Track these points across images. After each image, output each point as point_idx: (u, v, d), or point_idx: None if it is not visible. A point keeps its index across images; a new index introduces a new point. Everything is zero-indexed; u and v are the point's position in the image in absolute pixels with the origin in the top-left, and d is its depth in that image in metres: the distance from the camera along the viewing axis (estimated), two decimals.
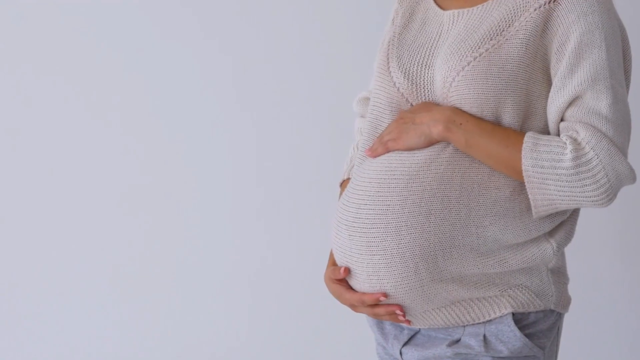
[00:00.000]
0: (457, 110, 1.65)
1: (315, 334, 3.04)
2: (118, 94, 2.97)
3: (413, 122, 1.67)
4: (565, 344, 2.91)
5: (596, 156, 1.57)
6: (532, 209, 1.64)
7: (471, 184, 1.63)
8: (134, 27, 2.95)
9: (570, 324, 2.91)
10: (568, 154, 1.57)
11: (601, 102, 1.59)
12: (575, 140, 1.58)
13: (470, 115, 1.64)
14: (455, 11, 1.73)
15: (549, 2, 1.62)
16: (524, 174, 1.60)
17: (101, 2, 2.93)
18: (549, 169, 1.58)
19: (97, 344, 3.06)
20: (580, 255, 2.89)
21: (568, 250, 2.88)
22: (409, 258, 1.62)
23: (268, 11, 2.95)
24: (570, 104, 1.61)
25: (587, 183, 1.58)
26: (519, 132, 1.63)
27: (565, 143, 1.58)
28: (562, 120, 1.64)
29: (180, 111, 2.97)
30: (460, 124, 1.63)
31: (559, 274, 1.74)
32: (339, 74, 2.95)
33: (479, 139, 1.63)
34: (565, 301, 1.74)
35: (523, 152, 1.60)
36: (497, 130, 1.63)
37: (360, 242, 1.66)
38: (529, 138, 1.61)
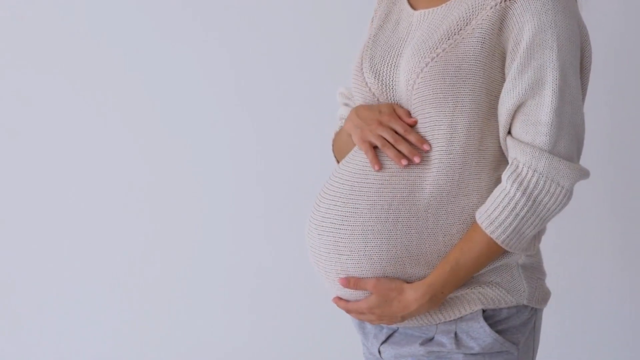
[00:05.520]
0: (425, 289, 1.65)
1: (315, 334, 3.04)
2: (118, 94, 2.98)
3: (402, 316, 1.68)
4: (561, 342, 2.92)
5: (540, 175, 1.60)
6: (520, 251, 1.67)
7: (440, 192, 1.65)
8: (134, 27, 2.96)
9: (567, 322, 2.92)
10: (513, 190, 1.60)
11: (543, 109, 1.60)
12: (515, 169, 1.61)
13: (434, 275, 1.65)
14: (423, 11, 1.74)
15: (505, 0, 1.62)
16: (505, 245, 1.64)
17: (101, 2, 2.94)
18: (514, 218, 1.61)
19: (97, 344, 3.07)
20: (574, 253, 2.89)
21: (564, 249, 2.88)
22: (377, 261, 1.66)
23: (268, 11, 2.95)
24: (517, 108, 1.62)
25: (545, 200, 1.61)
26: (471, 229, 1.65)
27: (505, 186, 1.61)
28: (510, 128, 1.65)
29: (180, 111, 2.98)
30: (442, 292, 1.65)
31: (532, 269, 1.73)
32: (339, 74, 2.93)
33: (461, 272, 1.64)
34: (540, 296, 1.73)
35: (489, 233, 1.62)
36: (459, 248, 1.64)
37: (328, 242, 1.69)
38: (480, 216, 1.63)
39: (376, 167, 1.67)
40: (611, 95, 2.82)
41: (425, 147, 1.65)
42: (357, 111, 1.76)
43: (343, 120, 1.93)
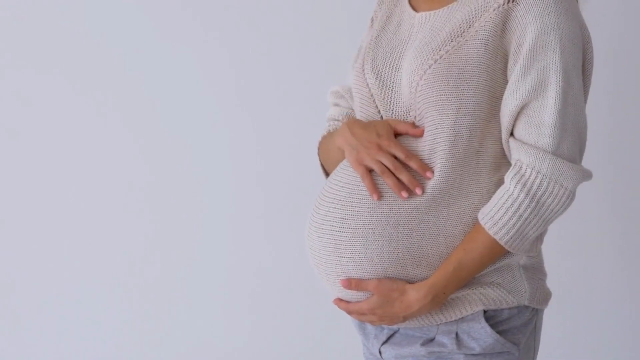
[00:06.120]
0: (427, 290, 1.64)
1: (315, 334, 3.03)
2: (118, 94, 2.98)
3: (404, 316, 1.67)
4: (562, 342, 2.91)
5: (544, 176, 1.60)
6: (522, 252, 1.67)
7: (441, 195, 1.64)
8: (134, 27, 2.96)
9: (567, 322, 2.91)
10: (517, 192, 1.60)
11: (547, 111, 1.60)
12: (519, 171, 1.60)
13: (436, 276, 1.64)
14: (425, 13, 1.74)
15: (508, 2, 1.62)
16: (508, 246, 1.63)
17: (101, 2, 2.94)
18: (517, 219, 1.61)
19: (97, 344, 3.07)
20: (574, 254, 2.89)
21: (564, 249, 2.88)
22: (378, 263, 1.65)
23: (268, 11, 2.95)
24: (520, 110, 1.62)
25: (548, 202, 1.61)
26: (473, 229, 1.64)
27: (508, 187, 1.61)
28: (513, 130, 1.64)
29: (180, 111, 2.98)
30: (444, 293, 1.65)
31: (533, 269, 1.73)
32: (339, 74, 2.93)
33: (464, 273, 1.64)
34: (541, 297, 1.73)
35: (493, 234, 1.62)
36: (462, 249, 1.64)
37: (328, 244, 1.68)
38: (483, 217, 1.62)
39: (375, 197, 1.64)
40: (611, 95, 2.82)
41: (429, 174, 1.63)
42: (351, 129, 1.71)
43: (333, 122, 1.92)
